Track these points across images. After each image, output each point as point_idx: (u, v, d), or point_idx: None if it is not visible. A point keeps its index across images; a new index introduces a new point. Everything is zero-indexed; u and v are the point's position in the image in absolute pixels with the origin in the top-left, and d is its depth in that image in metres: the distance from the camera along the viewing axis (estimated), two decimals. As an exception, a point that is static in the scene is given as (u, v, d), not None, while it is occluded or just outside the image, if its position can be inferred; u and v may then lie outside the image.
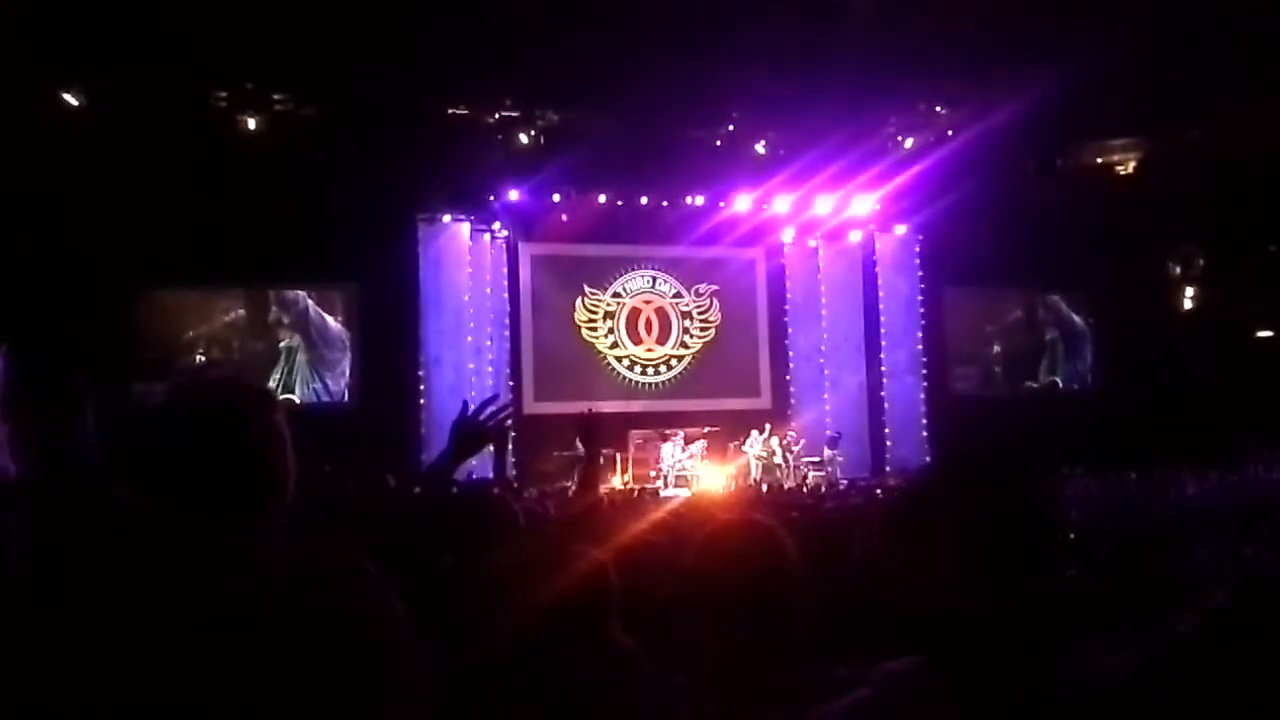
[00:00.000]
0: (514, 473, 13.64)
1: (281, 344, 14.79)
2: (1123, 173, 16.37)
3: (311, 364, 14.88)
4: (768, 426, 15.61)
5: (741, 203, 15.90)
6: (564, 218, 15.71)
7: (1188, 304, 16.97)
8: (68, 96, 12.22)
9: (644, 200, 15.79)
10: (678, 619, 1.92)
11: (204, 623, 1.39)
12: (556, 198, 15.30)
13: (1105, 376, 17.49)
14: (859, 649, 1.53)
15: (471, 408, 2.53)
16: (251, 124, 13.38)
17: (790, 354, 17.38)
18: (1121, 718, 1.27)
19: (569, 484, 14.04)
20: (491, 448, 3.07)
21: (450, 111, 14.05)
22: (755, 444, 15.44)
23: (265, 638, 1.39)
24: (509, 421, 2.70)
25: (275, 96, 13.43)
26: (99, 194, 12.11)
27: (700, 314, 17.23)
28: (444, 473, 2.53)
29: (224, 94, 13.23)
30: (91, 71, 12.08)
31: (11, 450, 1.54)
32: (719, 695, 1.78)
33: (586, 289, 16.73)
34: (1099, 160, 16.48)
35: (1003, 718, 1.26)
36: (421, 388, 14.76)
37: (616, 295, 16.93)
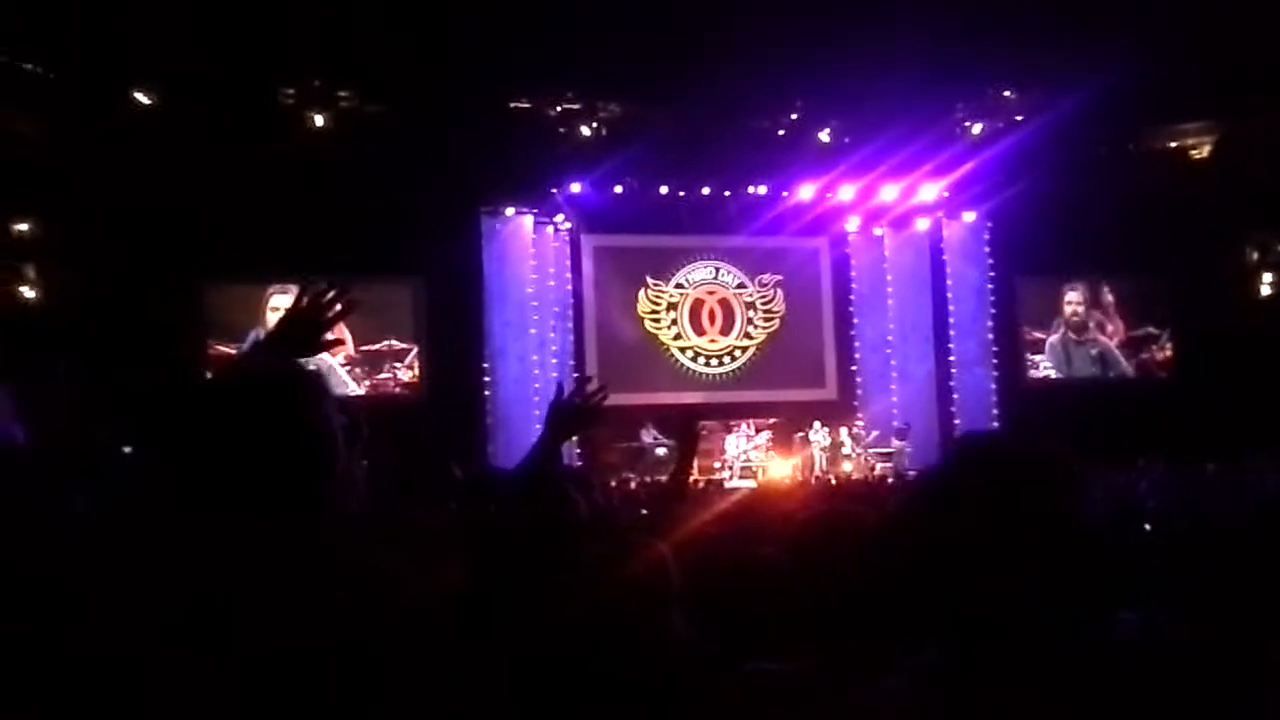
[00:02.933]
0: (578, 464, 13.69)
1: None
2: (1197, 157, 15.90)
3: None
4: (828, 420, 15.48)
5: (805, 191, 15.74)
6: (626, 209, 15.69)
7: (1265, 290, 16.43)
8: (139, 95, 12.52)
9: (706, 190, 15.72)
10: (758, 610, 1.89)
11: (249, 616, 1.35)
12: (619, 189, 15.30)
13: (1181, 365, 17.01)
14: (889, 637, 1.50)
15: (567, 390, 2.53)
16: (319, 120, 13.59)
17: (856, 344, 17.19)
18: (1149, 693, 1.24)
19: (632, 475, 14.10)
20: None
21: (513, 105, 14.12)
22: (820, 435, 15.31)
23: (306, 638, 1.35)
24: (604, 402, 2.67)
25: (341, 93, 13.63)
26: (169, 190, 12.41)
27: (764, 304, 17.11)
28: (544, 457, 2.53)
29: (291, 91, 13.45)
30: (162, 70, 12.37)
31: (16, 415, 1.52)
32: (810, 686, 1.75)
33: (649, 280, 16.72)
34: (1172, 144, 16.02)
35: (1030, 705, 1.23)
36: (487, 380, 14.89)
37: (679, 286, 16.89)
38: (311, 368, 1.80)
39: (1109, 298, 17.34)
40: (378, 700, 1.35)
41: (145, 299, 12.44)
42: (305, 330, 2.09)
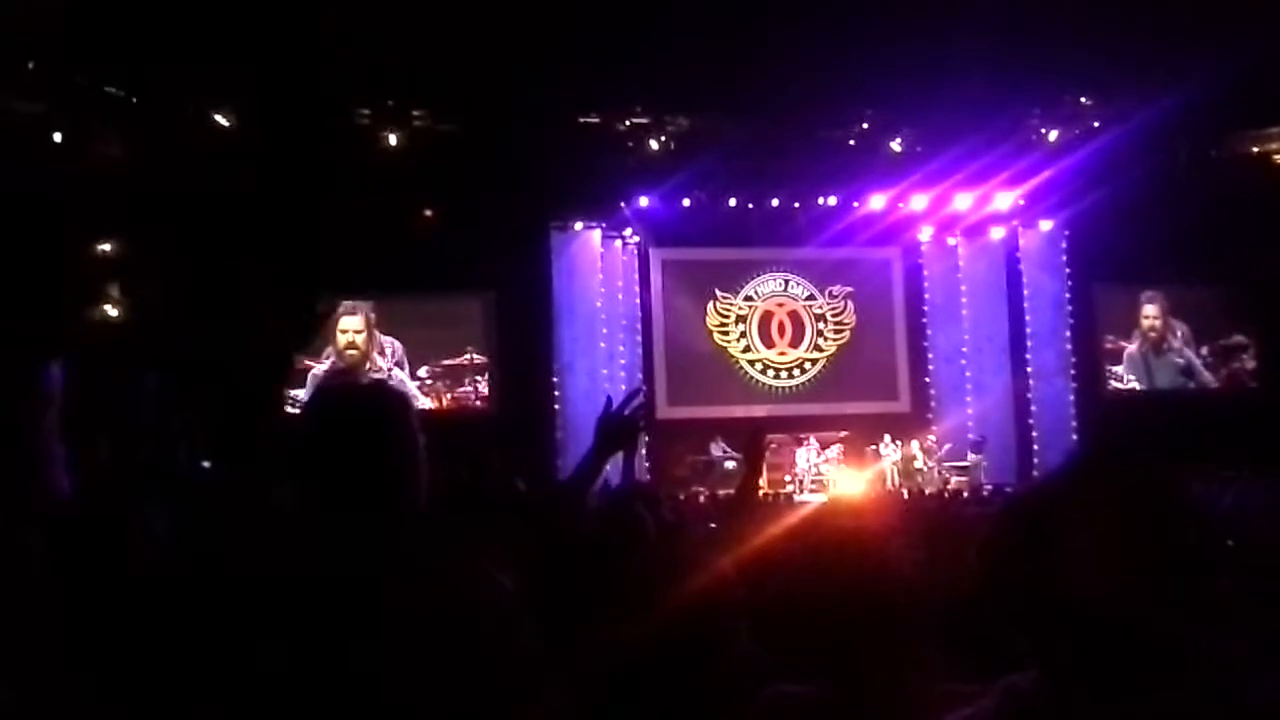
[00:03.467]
0: (647, 478, 13.69)
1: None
2: (1280, 161, 15.38)
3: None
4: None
5: (876, 202, 15.56)
6: (695, 222, 15.68)
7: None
8: (218, 117, 12.89)
9: (775, 202, 15.63)
10: (794, 627, 1.88)
11: (336, 617, 1.46)
12: (687, 202, 15.30)
13: (1266, 374, 16.42)
14: (979, 660, 1.46)
15: (615, 403, 2.54)
16: (392, 140, 13.84)
17: (930, 356, 16.93)
18: None
19: (702, 489, 14.04)
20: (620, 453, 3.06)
21: (582, 120, 14.22)
22: (892, 448, 15.09)
23: (392, 636, 1.44)
24: (643, 414, 2.72)
25: (415, 113, 13.87)
26: (246, 209, 12.75)
27: (834, 316, 16.95)
28: (592, 471, 2.54)
29: (366, 112, 13.74)
30: (240, 92, 12.72)
31: (65, 467, 1.63)
32: (841, 707, 1.73)
33: (718, 293, 16.67)
34: (1255, 149, 15.51)
35: None
36: (556, 394, 14.97)
37: (748, 299, 16.82)
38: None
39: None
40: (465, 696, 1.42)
41: (225, 318, 12.75)
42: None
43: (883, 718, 1.68)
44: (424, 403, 15.06)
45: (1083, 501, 1.25)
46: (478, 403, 15.34)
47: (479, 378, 15.41)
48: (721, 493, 13.12)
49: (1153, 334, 16.77)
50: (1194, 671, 1.18)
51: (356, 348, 15.02)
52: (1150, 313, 16.76)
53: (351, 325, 15.03)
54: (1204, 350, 16.84)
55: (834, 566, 1.87)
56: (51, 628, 1.54)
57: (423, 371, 15.21)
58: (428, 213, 13.88)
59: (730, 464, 14.57)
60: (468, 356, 15.35)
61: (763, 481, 14.68)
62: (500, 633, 1.53)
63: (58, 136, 11.52)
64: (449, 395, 15.30)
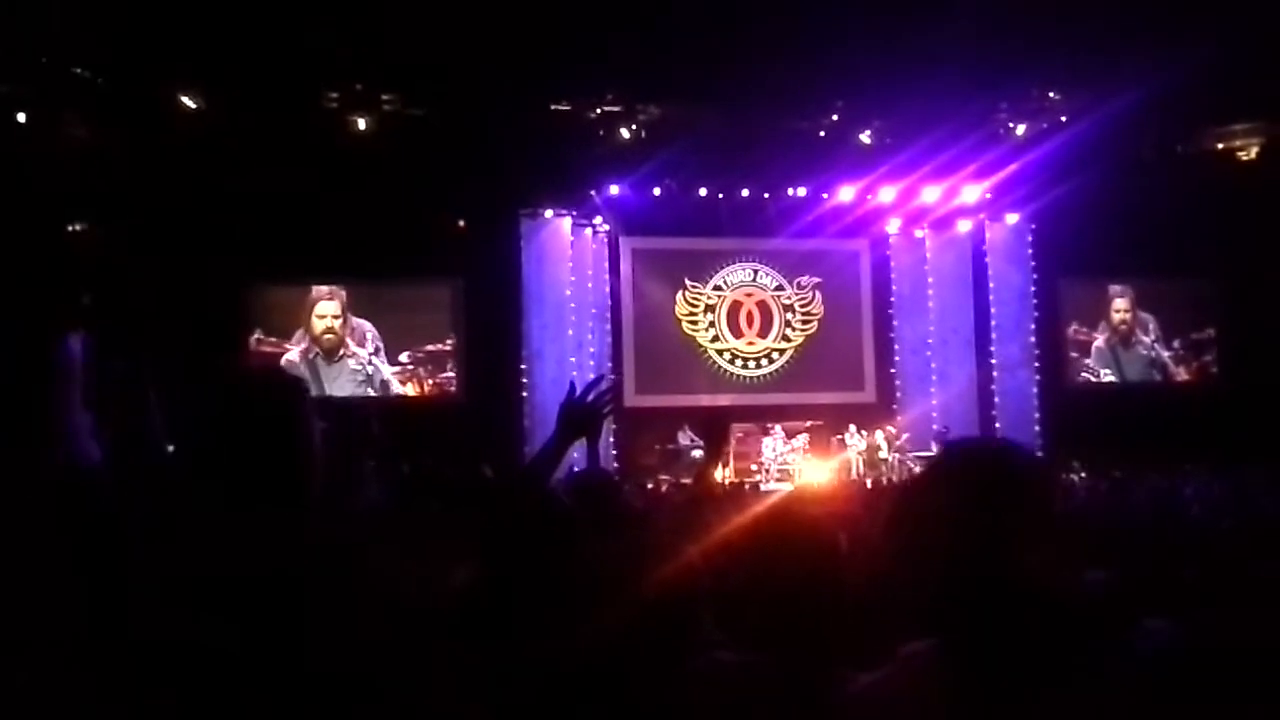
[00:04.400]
0: (615, 465, 13.71)
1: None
2: (1245, 158, 15.61)
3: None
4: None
5: (845, 193, 15.65)
6: (665, 211, 15.68)
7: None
8: (186, 99, 12.74)
9: (745, 193, 15.67)
10: (754, 613, 1.93)
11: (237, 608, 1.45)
12: (657, 191, 15.30)
13: (1229, 368, 16.70)
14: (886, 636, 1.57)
15: (579, 389, 2.53)
16: (361, 124, 13.74)
17: (896, 347, 17.07)
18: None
19: (668, 477, 14.09)
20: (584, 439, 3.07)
21: (552, 108, 14.17)
22: (857, 438, 15.21)
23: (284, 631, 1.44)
24: (610, 401, 2.68)
25: (384, 97, 13.77)
26: (213, 192, 12.62)
27: (802, 307, 17.04)
28: (553, 457, 2.54)
29: (335, 95, 13.61)
30: (207, 74, 12.57)
31: (94, 436, 1.61)
32: (776, 678, 1.80)
33: (687, 282, 16.71)
34: (1220, 146, 15.74)
35: (1012, 697, 1.30)
36: (524, 381, 14.95)
37: (717, 288, 16.87)
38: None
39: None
40: (368, 696, 1.42)
41: (191, 300, 12.64)
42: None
43: (806, 688, 1.74)
44: (398, 388, 15.09)
45: (944, 484, 1.42)
46: (444, 389, 15.31)
47: (445, 364, 15.39)
48: (686, 481, 13.17)
49: (1123, 327, 17.01)
50: (1078, 640, 1.30)
51: (334, 332, 14.99)
52: (1120, 306, 17.01)
53: (329, 310, 14.98)
54: (1175, 344, 17.10)
55: (792, 554, 1.91)
56: (62, 605, 1.53)
57: (404, 357, 15.17)
58: (396, 198, 13.78)
59: (697, 453, 14.61)
60: (435, 343, 15.31)
61: (729, 470, 14.85)
62: (414, 632, 1.52)
63: (22, 117, 11.34)
64: (430, 381, 15.28)
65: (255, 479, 1.58)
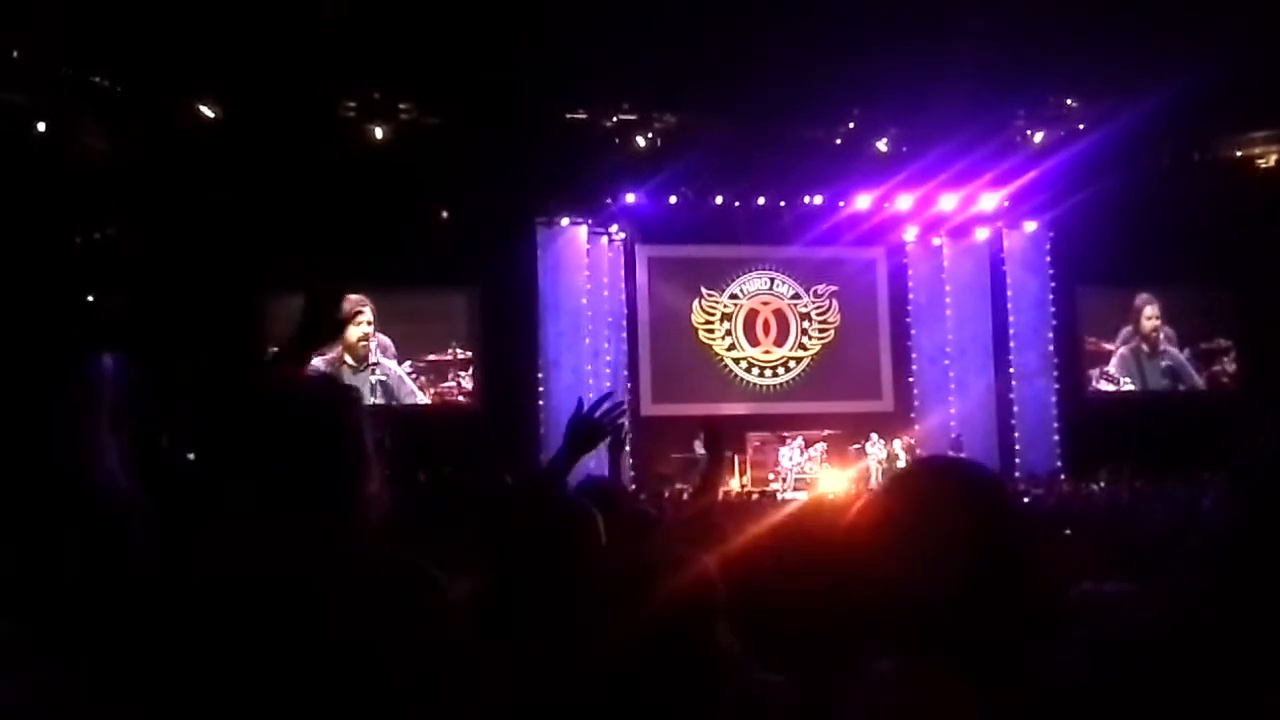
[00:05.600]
0: (632, 474, 13.70)
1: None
2: (1264, 166, 15.49)
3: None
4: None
5: (862, 201, 15.62)
6: (681, 219, 15.68)
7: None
8: (204, 108, 12.82)
9: (761, 201, 15.67)
10: (771, 623, 1.92)
11: (275, 621, 1.43)
12: (673, 200, 15.31)
13: (1248, 377, 16.56)
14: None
15: (586, 405, 2.55)
16: (378, 133, 13.80)
17: (913, 355, 16.99)
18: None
19: (686, 486, 14.06)
20: (606, 450, 3.07)
21: (569, 116, 14.20)
22: (876, 447, 15.15)
23: (326, 643, 1.43)
24: (623, 419, 2.70)
25: (401, 105, 13.82)
26: (231, 200, 12.70)
27: (819, 315, 16.99)
28: (560, 471, 2.55)
29: (352, 104, 13.68)
30: (225, 83, 12.66)
31: (121, 461, 1.60)
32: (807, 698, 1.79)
33: (704, 290, 16.69)
34: (1239, 153, 15.62)
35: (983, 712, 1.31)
36: (541, 390, 14.96)
37: (734, 297, 16.84)
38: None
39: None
40: (402, 697, 1.43)
41: (209, 310, 12.71)
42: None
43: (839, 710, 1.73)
44: (421, 398, 15.13)
45: (902, 501, 1.46)
46: (461, 398, 15.32)
47: (462, 373, 15.40)
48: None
49: (1154, 335, 16.88)
50: (1033, 654, 1.30)
51: (368, 339, 14.99)
52: (1151, 314, 16.88)
53: (364, 319, 14.98)
54: (1186, 352, 16.98)
55: (810, 563, 1.89)
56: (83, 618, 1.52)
57: (405, 366, 15.19)
58: (413, 206, 13.84)
59: (714, 462, 14.57)
60: (451, 352, 15.33)
61: (746, 479, 14.80)
62: (435, 643, 1.51)
63: (41, 127, 11.44)
64: (432, 390, 15.29)
65: (305, 485, 1.55)
